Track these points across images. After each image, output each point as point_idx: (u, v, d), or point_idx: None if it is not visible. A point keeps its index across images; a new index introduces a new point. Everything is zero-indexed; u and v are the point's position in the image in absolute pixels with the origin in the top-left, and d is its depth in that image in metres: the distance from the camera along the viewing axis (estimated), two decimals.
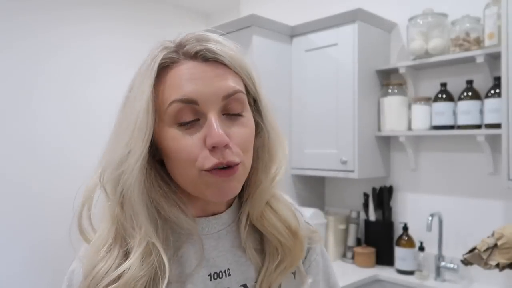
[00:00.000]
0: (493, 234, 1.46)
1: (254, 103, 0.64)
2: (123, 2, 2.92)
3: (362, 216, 2.29)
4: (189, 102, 0.56)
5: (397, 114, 2.06)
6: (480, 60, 1.77)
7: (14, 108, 2.42)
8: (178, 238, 0.62)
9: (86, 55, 2.72)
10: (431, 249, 2.00)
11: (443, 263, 1.91)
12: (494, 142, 1.81)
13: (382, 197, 2.18)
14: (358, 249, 2.17)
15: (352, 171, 2.03)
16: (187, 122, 0.57)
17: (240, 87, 0.60)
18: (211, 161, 0.56)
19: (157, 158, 0.62)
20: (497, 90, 1.71)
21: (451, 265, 1.88)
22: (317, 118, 2.18)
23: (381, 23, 2.15)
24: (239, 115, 0.59)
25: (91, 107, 2.65)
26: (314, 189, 2.44)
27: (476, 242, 1.51)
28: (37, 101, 2.51)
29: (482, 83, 1.86)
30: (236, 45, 0.62)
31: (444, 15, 1.94)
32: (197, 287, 0.61)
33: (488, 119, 1.74)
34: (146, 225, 0.57)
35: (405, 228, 2.05)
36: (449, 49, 1.91)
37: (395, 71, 2.12)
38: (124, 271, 0.55)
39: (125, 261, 0.56)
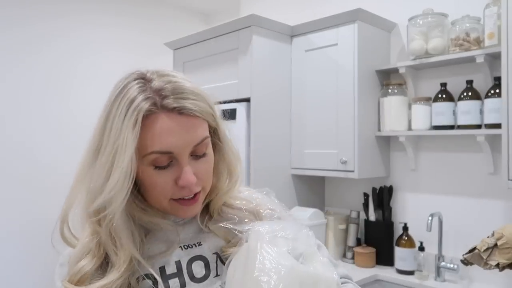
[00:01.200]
0: (493, 234, 1.46)
1: (214, 132, 0.77)
2: (123, 3, 2.92)
3: (362, 216, 2.29)
4: (166, 153, 0.68)
5: (397, 114, 2.06)
6: (480, 60, 1.77)
7: None
8: (152, 234, 0.75)
9: (85, 55, 2.72)
10: (431, 249, 2.00)
11: (443, 263, 1.91)
12: (494, 142, 1.81)
13: (382, 197, 2.18)
14: (358, 249, 2.17)
15: (352, 171, 2.03)
16: (162, 167, 0.69)
17: (206, 132, 0.72)
18: (180, 194, 0.71)
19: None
20: (497, 90, 1.71)
21: (451, 265, 1.88)
22: (317, 118, 2.18)
23: (381, 23, 2.15)
24: (204, 153, 0.73)
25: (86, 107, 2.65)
26: (314, 189, 2.44)
27: (476, 242, 1.51)
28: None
29: (482, 83, 1.86)
30: (200, 88, 0.73)
31: (444, 15, 1.94)
32: (171, 256, 0.73)
33: (488, 119, 1.74)
34: (128, 244, 0.68)
35: (405, 228, 2.05)
36: (449, 49, 1.91)
37: (395, 71, 2.12)
38: (106, 283, 0.65)
39: (105, 270, 0.68)
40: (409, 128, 2.07)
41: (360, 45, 2.02)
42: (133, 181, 0.67)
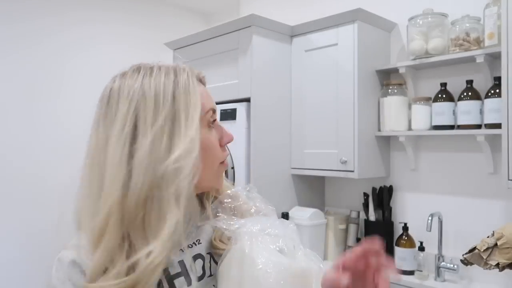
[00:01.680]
0: (493, 234, 1.46)
1: None
2: (123, 3, 2.92)
3: (362, 216, 2.29)
4: (214, 111, 0.75)
5: (397, 114, 2.06)
6: (480, 60, 1.77)
7: None
8: None
9: (84, 55, 2.72)
10: (431, 249, 2.00)
11: (443, 263, 1.91)
12: (494, 142, 1.81)
13: (382, 197, 2.18)
14: None
15: (352, 171, 2.03)
16: (213, 125, 0.75)
17: None
18: (223, 156, 0.77)
19: None
20: (497, 90, 1.71)
21: (451, 265, 1.88)
22: (317, 118, 2.18)
23: (381, 23, 2.15)
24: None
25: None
26: (314, 189, 2.44)
27: (476, 242, 1.51)
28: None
29: (482, 83, 1.86)
30: None
31: (444, 15, 1.94)
32: (176, 255, 0.71)
33: (488, 119, 1.74)
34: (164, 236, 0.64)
35: (405, 228, 2.05)
36: (449, 49, 1.91)
37: (395, 71, 2.12)
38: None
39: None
40: (409, 128, 2.07)
41: (360, 45, 2.02)
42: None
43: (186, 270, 0.71)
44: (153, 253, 0.60)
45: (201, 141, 0.68)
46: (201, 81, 0.77)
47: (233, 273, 0.66)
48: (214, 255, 0.76)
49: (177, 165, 0.63)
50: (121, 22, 2.90)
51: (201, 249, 0.75)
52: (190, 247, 0.74)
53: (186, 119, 0.66)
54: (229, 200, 0.81)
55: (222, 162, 0.76)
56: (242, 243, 0.68)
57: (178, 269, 0.70)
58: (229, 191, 0.82)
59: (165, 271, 0.68)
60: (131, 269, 0.61)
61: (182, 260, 0.71)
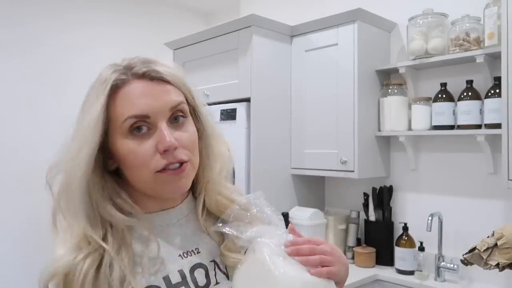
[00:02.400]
0: (493, 234, 1.46)
1: (194, 112, 0.76)
2: (123, 3, 2.92)
3: (362, 216, 2.29)
4: (142, 117, 0.67)
5: (397, 114, 2.06)
6: (480, 60, 1.77)
7: None
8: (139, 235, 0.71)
9: (84, 55, 2.72)
10: (431, 249, 2.00)
11: (443, 263, 1.91)
12: (494, 142, 1.81)
13: (382, 197, 2.18)
14: (358, 249, 2.17)
15: (352, 171, 2.03)
16: (139, 133, 0.67)
17: (182, 98, 0.72)
18: (162, 162, 0.67)
19: (112, 168, 0.71)
20: (497, 90, 1.71)
21: (451, 265, 1.88)
22: (317, 118, 2.18)
23: (381, 23, 2.15)
24: (184, 121, 0.71)
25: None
26: (314, 189, 2.44)
27: (476, 242, 1.51)
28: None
29: (482, 83, 1.86)
30: (176, 65, 0.75)
31: (444, 15, 1.94)
32: (174, 264, 0.71)
33: (488, 119, 1.74)
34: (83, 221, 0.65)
35: (405, 228, 2.05)
36: (449, 49, 1.91)
37: (395, 71, 2.12)
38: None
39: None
40: (409, 128, 2.07)
41: (360, 45, 2.02)
42: (99, 140, 0.66)
43: (186, 280, 0.71)
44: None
45: (118, 151, 0.68)
46: (145, 75, 0.69)
47: (251, 285, 0.66)
48: (219, 263, 0.75)
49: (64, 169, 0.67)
50: (121, 22, 2.90)
51: (202, 258, 0.74)
52: (186, 257, 0.73)
53: (77, 125, 0.68)
54: (242, 207, 0.77)
55: (164, 170, 0.67)
56: (259, 255, 0.67)
57: (179, 278, 0.70)
58: (242, 199, 0.78)
59: (165, 279, 0.69)
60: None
61: (182, 270, 0.71)
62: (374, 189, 2.21)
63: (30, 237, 2.45)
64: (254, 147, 2.11)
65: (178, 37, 2.52)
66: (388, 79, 2.18)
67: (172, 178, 0.68)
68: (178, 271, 0.71)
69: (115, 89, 0.68)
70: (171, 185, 0.69)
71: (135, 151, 0.67)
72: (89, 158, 0.65)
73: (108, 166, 0.71)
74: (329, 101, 2.13)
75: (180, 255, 0.72)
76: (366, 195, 2.25)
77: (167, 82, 0.70)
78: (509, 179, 1.59)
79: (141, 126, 0.67)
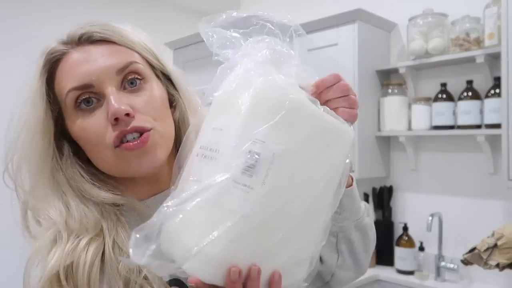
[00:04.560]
0: (493, 234, 1.46)
1: (164, 76, 0.65)
2: (123, 3, 2.93)
3: None
4: (84, 87, 0.57)
5: (397, 114, 2.06)
6: (480, 60, 1.77)
7: None
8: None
9: None
10: (431, 249, 2.00)
11: (443, 263, 1.91)
12: (494, 142, 1.81)
13: (382, 197, 2.18)
14: None
15: (352, 171, 2.02)
16: (88, 106, 0.57)
17: (134, 58, 0.60)
18: (114, 133, 0.56)
19: (80, 154, 0.62)
20: (497, 90, 1.71)
21: (451, 265, 1.88)
22: None
23: (381, 23, 2.15)
24: (142, 85, 0.60)
25: None
26: None
27: (476, 242, 1.51)
28: None
29: (482, 83, 1.86)
30: (132, 26, 0.65)
31: (444, 15, 1.94)
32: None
33: (488, 119, 1.74)
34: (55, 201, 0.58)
35: (405, 228, 2.05)
36: (449, 49, 1.91)
37: (395, 71, 2.12)
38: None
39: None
40: (409, 128, 2.07)
41: (360, 45, 2.02)
42: (41, 118, 0.58)
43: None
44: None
45: (73, 133, 0.59)
46: (81, 39, 0.59)
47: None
48: None
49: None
50: (121, 22, 2.90)
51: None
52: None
53: (20, 114, 0.60)
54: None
55: (122, 143, 0.56)
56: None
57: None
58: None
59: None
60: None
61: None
62: (374, 189, 2.21)
63: None
64: None
65: (178, 37, 2.52)
66: (388, 79, 2.18)
67: (134, 153, 0.57)
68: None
69: (55, 64, 0.60)
70: (136, 161, 0.57)
71: (85, 127, 0.57)
72: (43, 149, 0.58)
73: (80, 154, 0.62)
74: None
75: None
76: (366, 195, 2.25)
77: (113, 43, 0.60)
78: (509, 179, 1.59)
79: (89, 98, 0.57)
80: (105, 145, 0.57)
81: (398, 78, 2.14)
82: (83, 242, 0.56)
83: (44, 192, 0.59)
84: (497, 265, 1.41)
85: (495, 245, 1.43)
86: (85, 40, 0.59)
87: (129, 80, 0.59)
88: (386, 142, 2.21)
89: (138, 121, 0.57)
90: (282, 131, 0.47)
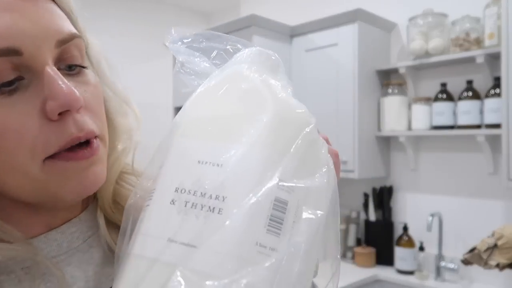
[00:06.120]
0: (493, 234, 1.46)
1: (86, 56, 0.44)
2: (122, 2, 2.93)
3: (362, 216, 2.29)
4: (7, 53, 0.33)
5: (397, 114, 2.06)
6: (480, 60, 1.77)
7: None
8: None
9: None
10: (431, 249, 2.00)
11: (443, 263, 1.91)
12: (494, 142, 1.81)
13: (382, 197, 2.18)
14: (358, 249, 2.17)
15: (352, 171, 2.03)
16: (6, 85, 0.34)
17: (74, 29, 0.40)
18: (63, 136, 0.35)
19: None
20: (497, 90, 1.71)
21: (451, 265, 1.88)
22: (317, 118, 2.16)
23: (381, 23, 2.15)
24: (80, 69, 0.40)
25: None
26: None
27: (476, 242, 1.51)
28: None
29: (482, 83, 1.86)
30: None
31: (444, 15, 1.94)
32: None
33: (488, 119, 1.74)
34: None
35: (405, 228, 2.05)
36: (449, 49, 1.91)
37: (395, 71, 2.12)
38: None
39: None
40: (409, 128, 2.07)
41: (360, 45, 2.02)
42: None
43: None
44: None
45: None
46: None
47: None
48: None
49: None
50: (122, 22, 2.90)
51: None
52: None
53: None
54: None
55: (62, 153, 0.36)
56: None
57: None
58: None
59: None
60: None
61: None
62: (374, 189, 2.21)
63: None
64: None
65: None
66: (388, 79, 2.18)
67: (81, 167, 0.37)
68: None
69: None
70: (79, 178, 0.37)
71: (3, 123, 0.34)
72: None
73: None
74: (329, 101, 2.12)
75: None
76: (366, 195, 2.25)
77: (52, 1, 0.39)
78: (509, 179, 1.59)
79: (5, 71, 0.34)
80: (30, 154, 0.35)
81: (398, 78, 2.15)
82: None
83: None
84: (497, 265, 1.41)
85: (495, 245, 1.43)
86: None
87: (67, 60, 0.38)
88: (386, 142, 2.21)
89: (88, 122, 0.37)
90: (306, 169, 0.36)
